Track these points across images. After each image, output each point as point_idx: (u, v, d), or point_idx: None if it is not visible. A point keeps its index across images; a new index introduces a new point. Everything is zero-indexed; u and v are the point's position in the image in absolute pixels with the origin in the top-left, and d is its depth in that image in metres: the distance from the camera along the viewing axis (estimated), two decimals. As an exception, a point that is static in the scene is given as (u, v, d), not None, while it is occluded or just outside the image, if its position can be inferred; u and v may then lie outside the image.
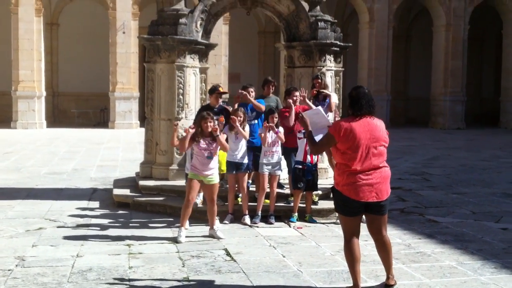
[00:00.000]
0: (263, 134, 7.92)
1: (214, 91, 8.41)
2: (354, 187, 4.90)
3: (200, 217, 7.75)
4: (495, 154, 17.02)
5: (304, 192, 8.15)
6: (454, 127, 25.99)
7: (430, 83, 27.46)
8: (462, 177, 12.49)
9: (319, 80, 9.08)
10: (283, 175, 8.70)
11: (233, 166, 7.92)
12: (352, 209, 4.99)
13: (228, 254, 6.39)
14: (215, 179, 7.18)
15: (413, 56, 30.32)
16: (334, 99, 9.35)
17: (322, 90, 9.11)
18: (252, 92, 8.50)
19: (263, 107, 8.42)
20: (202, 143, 7.03)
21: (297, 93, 8.65)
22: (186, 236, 7.00)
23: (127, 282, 5.40)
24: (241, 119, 7.79)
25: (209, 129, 7.01)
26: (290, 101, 8.39)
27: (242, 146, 7.94)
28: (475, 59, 29.65)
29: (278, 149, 8.11)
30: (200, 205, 8.17)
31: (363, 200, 4.91)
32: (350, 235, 5.04)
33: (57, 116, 26.92)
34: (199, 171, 7.05)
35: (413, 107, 29.76)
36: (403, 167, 14.04)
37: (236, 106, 8.29)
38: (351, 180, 4.91)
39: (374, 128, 4.97)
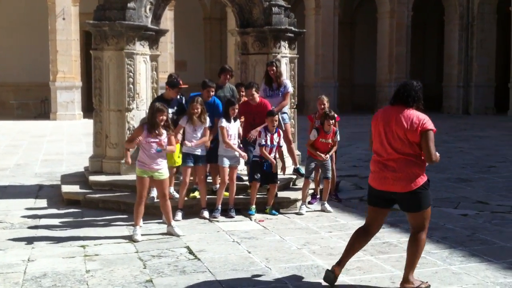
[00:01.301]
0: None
1: (176, 85, 7.95)
2: (373, 175, 4.94)
3: (156, 213, 7.39)
4: (443, 138, 17.25)
5: (261, 185, 7.93)
6: (399, 112, 26.32)
7: (375, 70, 27.72)
8: (415, 163, 12.54)
9: (274, 68, 8.80)
10: (241, 166, 8.45)
11: (191, 158, 7.57)
12: (373, 198, 5.02)
13: (190, 252, 6.08)
14: (165, 173, 6.83)
15: (358, 43, 30.54)
16: (289, 88, 9.12)
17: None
18: (212, 91, 8.12)
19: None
20: (152, 136, 6.66)
21: (253, 91, 8.24)
22: (143, 234, 6.66)
23: (86, 288, 5.03)
24: (199, 111, 7.46)
25: (162, 123, 6.68)
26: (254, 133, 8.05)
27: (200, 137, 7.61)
28: (417, 45, 30.12)
29: (236, 141, 7.85)
30: (156, 199, 7.80)
31: (379, 189, 4.88)
32: (367, 223, 5.13)
33: (-5, 107, 25.71)
34: (147, 166, 6.67)
35: (359, 93, 30.01)
36: (356, 154, 14.03)
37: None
38: (373, 168, 4.97)
39: (395, 118, 4.79)
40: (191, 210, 7.69)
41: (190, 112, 7.47)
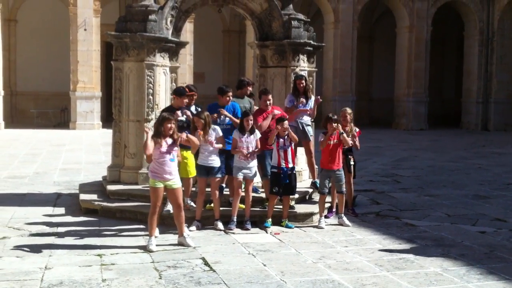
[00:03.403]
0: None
1: (183, 93, 8.02)
2: None
3: (173, 223, 7.37)
4: (461, 155, 17.15)
5: (281, 197, 7.92)
6: (417, 128, 26.19)
7: (393, 84, 27.60)
8: (432, 179, 12.47)
9: (303, 81, 8.83)
10: (257, 178, 8.44)
11: (204, 170, 7.60)
12: None
13: (206, 263, 6.09)
14: (178, 182, 6.86)
15: (376, 57, 30.48)
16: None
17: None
18: (230, 95, 8.21)
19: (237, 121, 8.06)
20: (164, 146, 6.70)
21: (270, 96, 8.39)
22: (159, 244, 6.68)
23: (101, 297, 5.07)
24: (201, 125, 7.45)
25: (171, 131, 6.71)
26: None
27: (213, 149, 7.62)
28: (436, 60, 29.98)
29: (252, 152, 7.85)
30: (172, 211, 7.82)
31: None
32: None
33: (15, 116, 25.99)
34: (161, 176, 6.71)
35: (376, 108, 29.91)
36: (373, 168, 13.97)
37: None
38: None
39: None
40: (207, 222, 7.71)
41: (193, 125, 7.49)
